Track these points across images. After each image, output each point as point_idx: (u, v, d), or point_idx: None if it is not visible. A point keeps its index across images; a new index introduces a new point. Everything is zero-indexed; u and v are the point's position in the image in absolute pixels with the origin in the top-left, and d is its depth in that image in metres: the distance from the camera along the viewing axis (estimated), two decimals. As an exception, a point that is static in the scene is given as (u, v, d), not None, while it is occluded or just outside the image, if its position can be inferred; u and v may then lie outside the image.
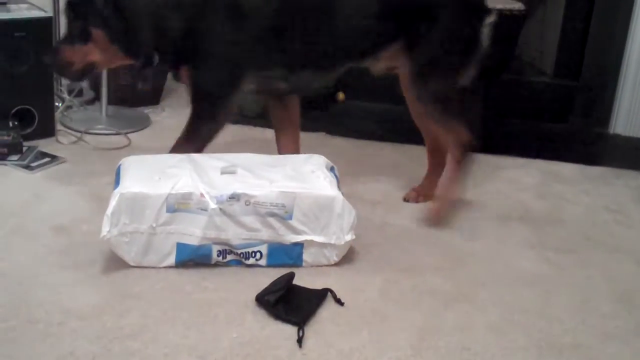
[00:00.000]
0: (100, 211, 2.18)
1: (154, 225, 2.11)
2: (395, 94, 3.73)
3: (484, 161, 3.15)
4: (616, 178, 3.10)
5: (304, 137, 3.26)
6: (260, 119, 3.42)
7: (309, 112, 3.54)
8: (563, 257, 2.42)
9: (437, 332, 1.97)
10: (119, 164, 2.31)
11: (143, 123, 3.29)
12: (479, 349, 1.91)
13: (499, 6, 3.11)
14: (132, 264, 2.14)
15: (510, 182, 2.98)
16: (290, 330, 1.92)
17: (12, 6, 2.99)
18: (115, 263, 2.15)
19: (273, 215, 2.15)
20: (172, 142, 3.04)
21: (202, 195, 2.12)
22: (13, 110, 2.91)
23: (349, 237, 2.20)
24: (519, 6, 3.15)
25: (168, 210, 2.11)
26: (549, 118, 3.71)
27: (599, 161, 3.29)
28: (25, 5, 3.02)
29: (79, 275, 2.11)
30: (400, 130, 3.47)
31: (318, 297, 2.06)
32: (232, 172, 2.23)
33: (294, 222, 2.16)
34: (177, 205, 2.11)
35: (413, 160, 3.12)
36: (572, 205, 2.81)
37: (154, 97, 3.53)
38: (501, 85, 3.41)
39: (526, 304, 2.13)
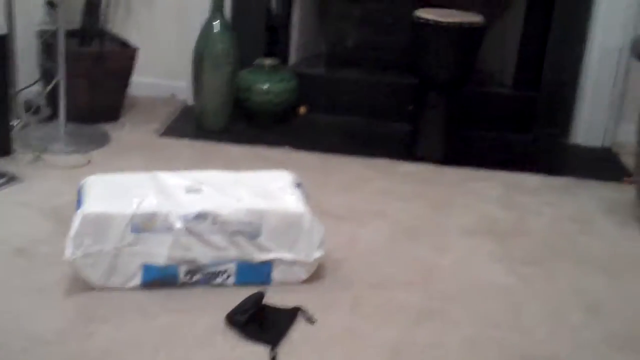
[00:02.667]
0: (61, 232, 2.12)
1: (119, 246, 2.06)
2: (357, 107, 3.75)
3: (448, 174, 3.17)
4: (579, 188, 3.12)
5: (268, 152, 3.25)
6: (223, 134, 3.38)
7: (272, 126, 3.53)
8: (530, 268, 2.42)
9: (411, 348, 1.95)
10: (81, 183, 2.25)
11: (103, 140, 3.22)
12: (452, 365, 1.90)
13: (458, 19, 3.12)
14: (96, 285, 2.08)
15: (475, 194, 2.98)
16: (262, 351, 1.88)
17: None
18: (78, 285, 2.09)
19: (241, 233, 2.11)
20: (133, 159, 3.01)
21: (167, 214, 2.07)
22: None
23: (318, 253, 2.17)
24: (479, 19, 3.16)
25: (133, 231, 2.06)
26: (511, 129, 3.73)
27: (562, 171, 3.31)
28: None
29: (41, 299, 2.05)
30: (364, 143, 3.47)
31: (289, 315, 2.03)
32: (198, 190, 2.19)
33: (262, 240, 2.13)
34: (142, 225, 2.06)
35: (379, 173, 3.12)
36: (536, 217, 2.82)
37: (113, 113, 3.47)
38: (463, 97, 3.42)
39: (497, 317, 2.13)
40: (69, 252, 2.03)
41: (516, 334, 2.05)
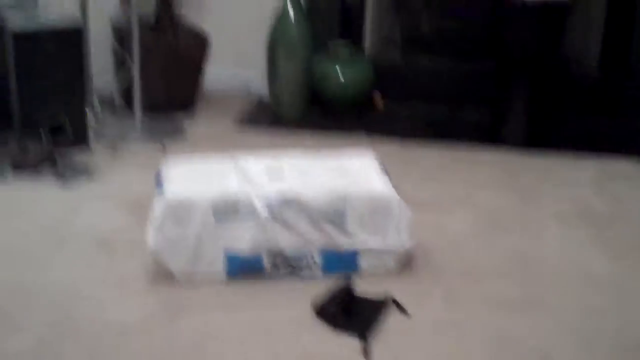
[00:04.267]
0: (140, 221, 2.07)
1: (202, 234, 1.99)
2: (435, 94, 3.61)
3: (534, 160, 3.02)
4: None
5: (346, 141, 3.14)
6: (299, 124, 3.30)
7: (349, 115, 3.42)
8: (631, 256, 2.27)
9: (514, 339, 1.83)
10: (159, 168, 2.18)
11: (178, 132, 3.17)
12: (562, 354, 1.78)
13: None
14: (179, 275, 2.02)
15: (565, 179, 2.83)
16: (354, 343, 1.79)
17: (43, 16, 2.91)
18: (161, 277, 2.03)
19: (327, 219, 2.01)
20: (208, 150, 2.95)
21: (251, 200, 1.99)
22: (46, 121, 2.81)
23: (408, 241, 2.06)
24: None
25: (215, 218, 1.99)
26: (595, 113, 3.54)
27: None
28: (55, 15, 2.93)
29: (124, 290, 1.99)
30: (444, 130, 3.33)
31: (380, 306, 1.93)
32: (281, 175, 2.10)
33: (348, 226, 2.03)
34: (225, 211, 1.99)
35: (461, 161, 2.99)
36: (632, 202, 2.66)
37: (188, 104, 3.41)
38: (545, 79, 3.26)
39: (602, 307, 1.99)
40: (151, 239, 1.97)
41: (625, 323, 1.91)
